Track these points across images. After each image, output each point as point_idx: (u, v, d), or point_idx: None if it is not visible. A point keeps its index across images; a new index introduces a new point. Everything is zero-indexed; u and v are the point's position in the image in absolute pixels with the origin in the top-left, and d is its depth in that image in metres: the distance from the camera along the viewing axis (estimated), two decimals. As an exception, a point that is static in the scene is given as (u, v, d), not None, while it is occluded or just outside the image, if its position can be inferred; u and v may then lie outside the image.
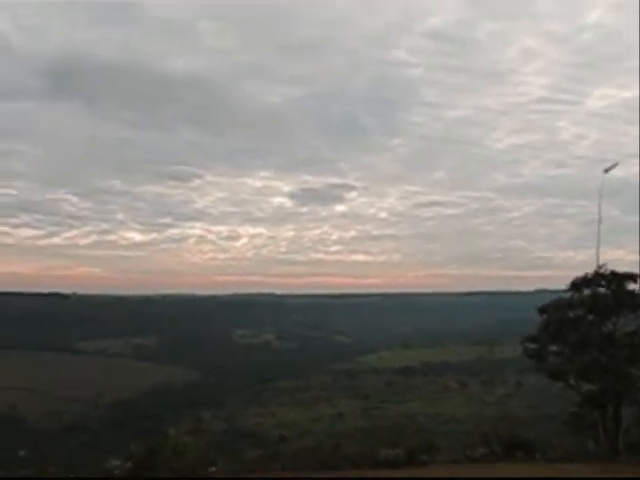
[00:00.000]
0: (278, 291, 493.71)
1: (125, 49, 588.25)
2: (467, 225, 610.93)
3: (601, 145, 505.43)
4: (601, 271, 38.17)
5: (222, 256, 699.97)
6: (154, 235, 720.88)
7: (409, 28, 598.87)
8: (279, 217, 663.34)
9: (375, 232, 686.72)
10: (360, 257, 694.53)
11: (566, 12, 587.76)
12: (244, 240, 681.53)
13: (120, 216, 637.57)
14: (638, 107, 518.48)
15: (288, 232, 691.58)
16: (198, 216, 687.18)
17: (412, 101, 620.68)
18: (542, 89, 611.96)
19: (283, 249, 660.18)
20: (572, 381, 37.78)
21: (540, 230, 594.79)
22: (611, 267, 38.15)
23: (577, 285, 38.63)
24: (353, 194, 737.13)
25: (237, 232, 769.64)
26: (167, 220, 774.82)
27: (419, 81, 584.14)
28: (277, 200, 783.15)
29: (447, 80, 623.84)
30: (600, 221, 40.06)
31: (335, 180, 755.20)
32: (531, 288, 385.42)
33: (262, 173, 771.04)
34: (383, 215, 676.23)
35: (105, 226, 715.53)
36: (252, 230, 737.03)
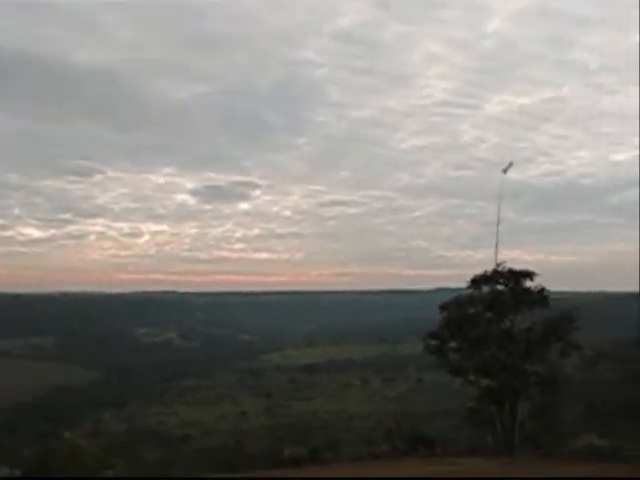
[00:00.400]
0: (181, 289, 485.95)
1: (25, 38, 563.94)
2: (370, 224, 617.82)
3: (499, 148, 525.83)
4: (499, 269, 39.10)
5: (124, 253, 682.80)
6: (53, 231, 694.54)
7: (317, 28, 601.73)
8: (182, 214, 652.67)
9: (279, 230, 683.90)
10: (264, 255, 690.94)
11: (469, 20, 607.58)
12: (146, 237, 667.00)
13: (17, 211, 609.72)
14: (533, 113, 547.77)
15: (191, 229, 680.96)
16: (99, 212, 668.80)
17: (318, 100, 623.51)
18: (444, 93, 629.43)
19: (186, 247, 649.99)
20: (471, 377, 38.45)
21: (441, 230, 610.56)
22: (509, 266, 39.23)
23: (477, 282, 39.52)
24: (257, 192, 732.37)
25: (139, 229, 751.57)
26: (67, 216, 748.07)
27: (325, 81, 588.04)
28: (180, 197, 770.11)
29: (353, 81, 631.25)
30: (499, 221, 41.46)
31: (239, 178, 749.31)
32: (433, 286, 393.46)
33: (166, 169, 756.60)
34: (287, 213, 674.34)
35: (0, 222, 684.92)
36: (154, 227, 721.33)
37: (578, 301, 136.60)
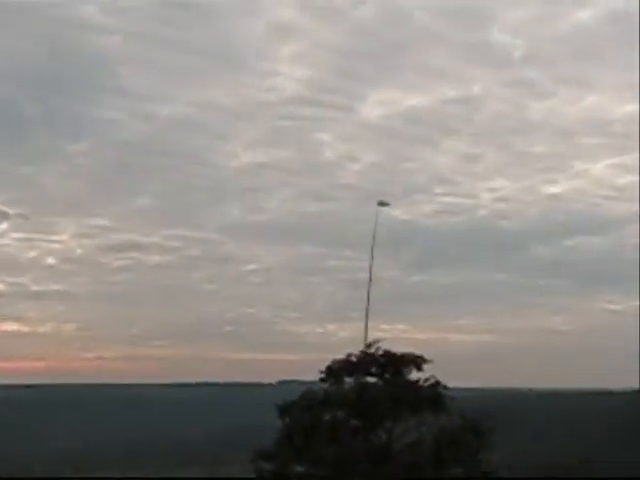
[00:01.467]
0: None
1: None
2: (181, 281, 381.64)
3: (377, 171, 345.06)
4: (371, 351, 29.61)
5: None
6: None
7: None
8: None
9: (36, 287, 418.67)
10: (10, 326, 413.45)
11: None
12: None
13: None
14: (429, 120, 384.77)
15: None
16: None
17: (104, 87, 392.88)
18: (299, 84, 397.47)
19: None
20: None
21: (288, 292, 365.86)
22: (386, 347, 29.77)
23: (335, 372, 29.78)
24: (3, 226, 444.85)
25: None
26: None
27: (116, 57, 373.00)
28: None
29: (161, 59, 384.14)
30: (371, 280, 31.09)
31: None
32: (274, 378, 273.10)
33: None
34: (50, 261, 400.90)
35: None
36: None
37: (493, 400, 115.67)
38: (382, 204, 32.19)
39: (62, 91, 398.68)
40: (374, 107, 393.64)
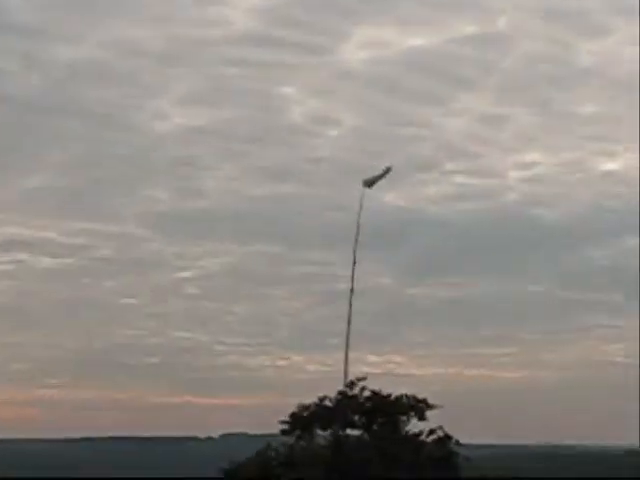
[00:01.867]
0: None
1: None
2: (86, 293, 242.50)
3: (363, 140, 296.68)
4: (353, 393, 22.86)
5: None
6: None
7: None
8: None
9: None
10: None
11: None
12: None
13: None
14: (435, 67, 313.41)
15: None
16: None
17: None
18: (253, 17, 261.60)
19: None
20: None
21: (237, 308, 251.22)
22: (376, 384, 23.09)
23: (303, 422, 23.07)
24: None
25: None
26: None
27: None
28: None
29: None
30: (352, 294, 23.95)
31: None
32: (215, 431, 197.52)
33: None
34: None
35: None
36: None
37: (524, 461, 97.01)
38: (369, 184, 24.97)
39: None
40: (359, 49, 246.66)
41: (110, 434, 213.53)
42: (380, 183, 24.48)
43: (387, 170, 24.16)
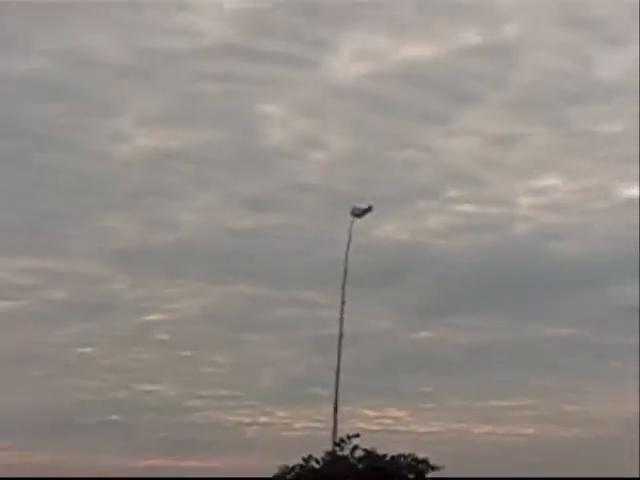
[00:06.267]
0: None
1: None
2: (38, 340, 63.39)
3: (354, 164, 60.50)
4: (344, 453, 21.72)
5: None
6: None
7: None
8: None
9: None
10: None
11: None
12: None
13: None
14: (435, 82, 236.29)
15: None
16: None
17: None
18: (230, 25, 70.46)
19: None
20: None
21: (214, 357, 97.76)
22: (371, 443, 21.99)
23: None
24: None
25: None
26: None
27: None
28: None
29: None
30: (342, 337, 23.13)
31: None
32: None
33: None
34: None
35: None
36: None
37: None
38: (358, 214, 23.99)
39: None
40: (350, 62, 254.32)
41: None
42: (375, 214, 23.56)
43: (370, 208, 23.77)
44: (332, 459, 21.01)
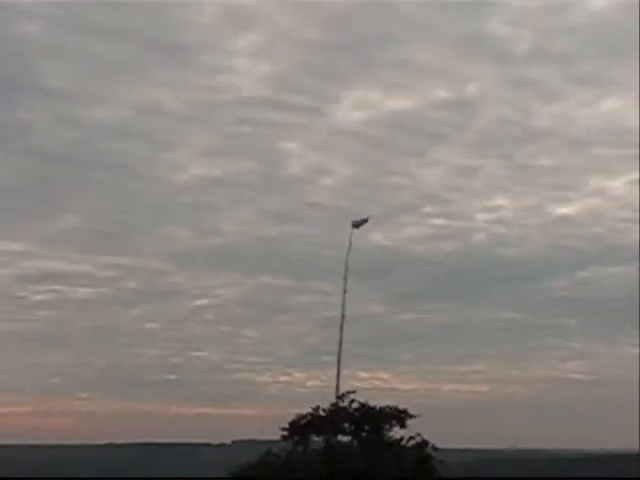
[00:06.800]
0: None
1: None
2: (115, 319, 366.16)
3: (354, 188, 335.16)
4: (343, 404, 27.80)
5: None
6: None
7: None
8: None
9: None
10: None
11: None
12: None
13: None
14: (415, 127, 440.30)
15: None
16: None
17: (18, 84, 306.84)
18: (260, 83, 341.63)
19: None
20: None
21: (247, 332, 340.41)
22: (364, 397, 28.08)
23: (300, 430, 28.02)
24: None
25: None
26: None
27: (35, 47, 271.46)
28: None
29: (87, 49, 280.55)
30: (344, 317, 28.69)
31: None
32: (227, 437, 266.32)
33: None
34: None
35: None
36: None
37: (494, 465, 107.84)
38: (356, 225, 29.96)
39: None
40: (350, 111, 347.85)
41: (134, 441, 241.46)
42: (368, 225, 29.64)
43: (366, 219, 29.71)
44: (334, 409, 26.99)
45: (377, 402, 27.85)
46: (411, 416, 27.29)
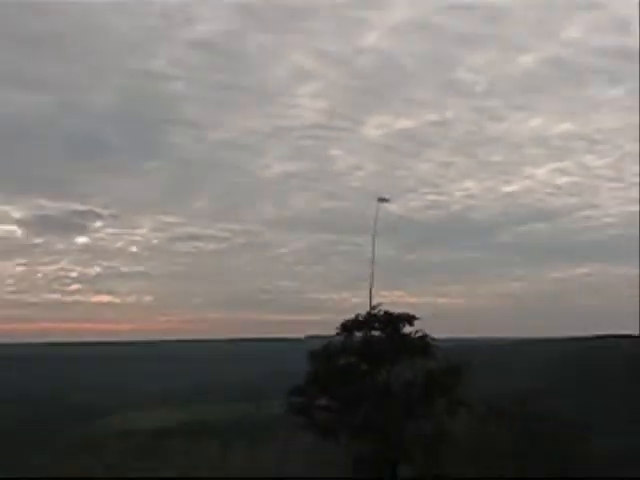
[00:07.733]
0: (3, 339, 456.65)
1: None
2: (230, 262, 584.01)
3: (377, 177, 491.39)
4: (374, 312, 38.68)
5: None
6: None
7: (171, 36, 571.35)
8: (6, 249, 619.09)
9: (124, 269, 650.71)
10: (105, 298, 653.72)
11: (343, 33, 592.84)
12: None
13: None
14: (414, 138, 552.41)
15: (17, 267, 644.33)
16: None
17: (170, 119, 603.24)
18: (315, 113, 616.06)
19: (11, 288, 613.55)
20: (344, 440, 37.75)
21: (312, 269, 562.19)
22: (387, 308, 39.00)
23: (348, 328, 38.82)
24: (98, 223, 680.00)
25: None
26: None
27: (180, 97, 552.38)
28: (4, 228, 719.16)
29: (212, 97, 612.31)
30: (373, 258, 40.53)
31: (77, 206, 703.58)
32: (303, 334, 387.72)
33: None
34: (134, 249, 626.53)
35: None
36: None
37: (468, 349, 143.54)
38: (382, 200, 41.68)
39: (140, 124, 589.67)
40: (373, 129, 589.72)
41: (245, 336, 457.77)
42: (388, 198, 42.04)
43: (387, 199, 41.54)
44: (369, 315, 38.35)
45: (395, 310, 38.63)
46: (417, 318, 38.00)
